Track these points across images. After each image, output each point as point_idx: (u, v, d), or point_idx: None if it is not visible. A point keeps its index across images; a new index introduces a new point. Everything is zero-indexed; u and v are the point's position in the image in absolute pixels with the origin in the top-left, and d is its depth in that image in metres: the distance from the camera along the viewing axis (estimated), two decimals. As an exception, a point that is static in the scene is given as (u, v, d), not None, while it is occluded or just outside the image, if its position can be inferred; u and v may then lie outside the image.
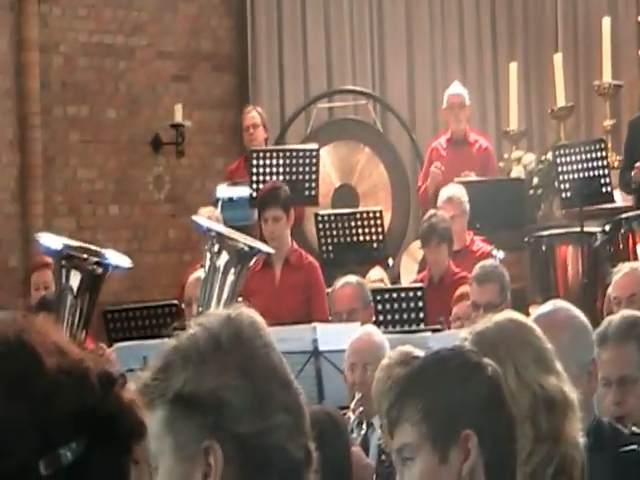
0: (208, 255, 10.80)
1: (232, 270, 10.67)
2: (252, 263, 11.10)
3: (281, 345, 3.35)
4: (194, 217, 14.07)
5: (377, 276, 18.33)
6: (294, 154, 20.66)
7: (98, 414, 2.43)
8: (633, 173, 19.32)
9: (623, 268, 11.94)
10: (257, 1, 25.29)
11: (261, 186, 19.44)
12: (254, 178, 20.02)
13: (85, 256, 11.27)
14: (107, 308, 15.06)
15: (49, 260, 15.38)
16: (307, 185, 20.14)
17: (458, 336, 5.73)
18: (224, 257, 10.65)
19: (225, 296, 10.32)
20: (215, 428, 3.11)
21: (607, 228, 18.86)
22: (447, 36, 26.13)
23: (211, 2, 25.08)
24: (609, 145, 20.65)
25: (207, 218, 15.09)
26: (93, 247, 12.56)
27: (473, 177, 19.49)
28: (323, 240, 19.34)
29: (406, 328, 14.11)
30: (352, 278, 14.62)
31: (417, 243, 19.11)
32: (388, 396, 4.20)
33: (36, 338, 2.51)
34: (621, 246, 18.43)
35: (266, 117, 22.70)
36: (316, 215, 20.25)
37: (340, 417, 8.25)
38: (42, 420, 2.38)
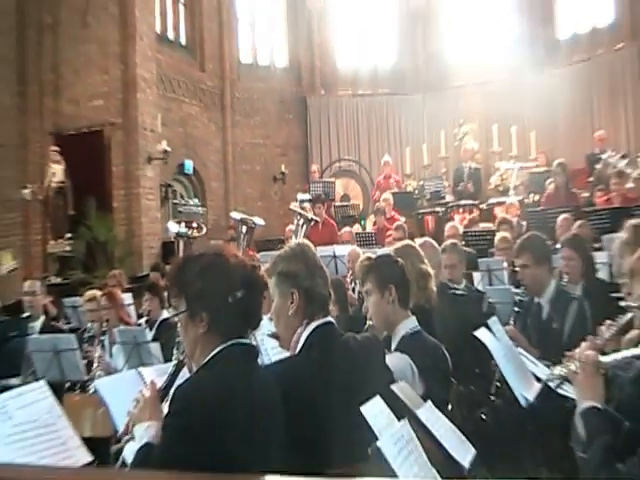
0: (295, 220, 10.90)
1: (304, 227, 10.80)
2: (312, 224, 11.04)
3: (321, 254, 3.55)
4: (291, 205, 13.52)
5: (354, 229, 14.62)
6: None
7: (251, 278, 2.77)
8: None
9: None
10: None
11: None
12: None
13: (248, 219, 11.43)
14: (257, 240, 13.39)
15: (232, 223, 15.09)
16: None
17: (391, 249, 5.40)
18: (300, 222, 10.77)
19: (300, 235, 10.43)
20: (295, 284, 3.18)
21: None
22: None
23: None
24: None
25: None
26: (249, 216, 12.65)
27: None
28: (339, 215, 15.73)
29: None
30: (348, 228, 13.67)
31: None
32: (362, 271, 4.41)
33: (226, 251, 2.84)
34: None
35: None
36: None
37: (341, 280, 8.08)
38: (229, 282, 2.70)
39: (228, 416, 2.52)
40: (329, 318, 3.24)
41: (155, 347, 6.62)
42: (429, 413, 3.13)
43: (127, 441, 2.88)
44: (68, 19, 14.92)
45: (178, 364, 2.94)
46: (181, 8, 18.39)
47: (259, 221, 10.95)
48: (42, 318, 8.17)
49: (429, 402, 3.23)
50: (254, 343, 2.85)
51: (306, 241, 3.45)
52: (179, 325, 2.84)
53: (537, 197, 13.43)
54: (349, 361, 3.10)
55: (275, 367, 3.06)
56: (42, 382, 3.43)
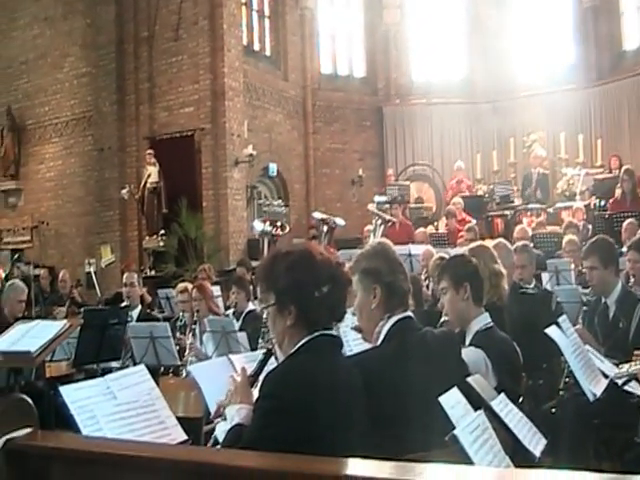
0: (373, 221, 10.87)
1: (381, 227, 10.76)
2: (389, 224, 11.01)
3: (398, 253, 3.54)
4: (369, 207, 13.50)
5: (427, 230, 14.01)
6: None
7: (336, 274, 2.73)
8: None
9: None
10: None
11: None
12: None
13: (329, 219, 11.42)
14: (336, 239, 12.92)
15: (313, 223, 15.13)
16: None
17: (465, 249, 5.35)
18: (378, 222, 10.74)
19: (378, 235, 10.39)
20: (377, 280, 3.15)
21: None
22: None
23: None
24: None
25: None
26: (329, 216, 12.61)
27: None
28: (413, 217, 15.42)
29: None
30: (422, 229, 13.45)
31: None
32: (437, 270, 4.39)
33: (312, 249, 2.81)
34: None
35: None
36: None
37: (417, 276, 7.99)
38: (316, 277, 2.67)
39: (314, 400, 2.52)
40: (409, 312, 3.21)
41: (242, 336, 6.70)
42: (502, 405, 3.09)
43: (219, 422, 2.90)
44: (162, 33, 15.21)
45: (267, 352, 2.95)
46: (266, 22, 18.50)
47: (340, 221, 10.98)
48: (139, 307, 8.33)
49: (502, 394, 3.19)
50: (338, 334, 2.85)
51: (387, 240, 3.44)
52: (267, 317, 2.86)
53: (602, 202, 13.17)
54: (427, 353, 3.07)
55: (358, 357, 3.06)
56: (142, 366, 3.50)
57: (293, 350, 2.69)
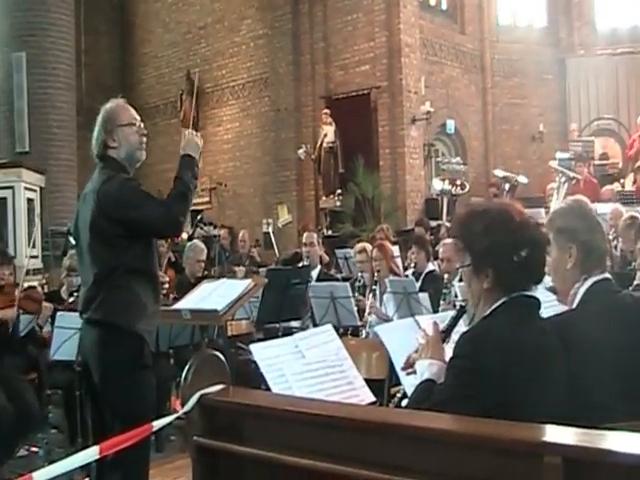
0: (557, 178, 10.53)
1: (565, 185, 10.42)
2: (574, 182, 10.63)
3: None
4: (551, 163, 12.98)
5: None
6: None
7: (535, 236, 2.63)
8: None
9: None
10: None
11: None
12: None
13: (511, 177, 11.11)
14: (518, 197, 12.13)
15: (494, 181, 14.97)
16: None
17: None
18: (562, 180, 10.40)
19: (562, 194, 10.07)
20: (573, 239, 3.01)
21: None
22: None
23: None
24: None
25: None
26: (512, 175, 12.31)
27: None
28: (598, 174, 14.84)
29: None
30: (609, 186, 13.21)
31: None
32: (631, 229, 4.16)
33: (510, 209, 2.66)
34: None
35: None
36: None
37: (606, 237, 7.73)
38: (515, 240, 2.55)
39: (511, 363, 2.45)
40: (607, 274, 3.07)
41: (424, 297, 6.67)
42: None
43: (409, 372, 2.87)
44: (336, -9, 15.22)
45: (461, 308, 2.88)
46: (441, -25, 18.22)
47: (522, 179, 10.69)
48: (318, 267, 8.46)
49: None
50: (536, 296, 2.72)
51: (583, 197, 3.30)
52: (462, 277, 2.81)
53: None
54: (627, 318, 2.92)
55: (555, 319, 2.94)
56: (329, 325, 3.54)
57: (490, 311, 2.63)
